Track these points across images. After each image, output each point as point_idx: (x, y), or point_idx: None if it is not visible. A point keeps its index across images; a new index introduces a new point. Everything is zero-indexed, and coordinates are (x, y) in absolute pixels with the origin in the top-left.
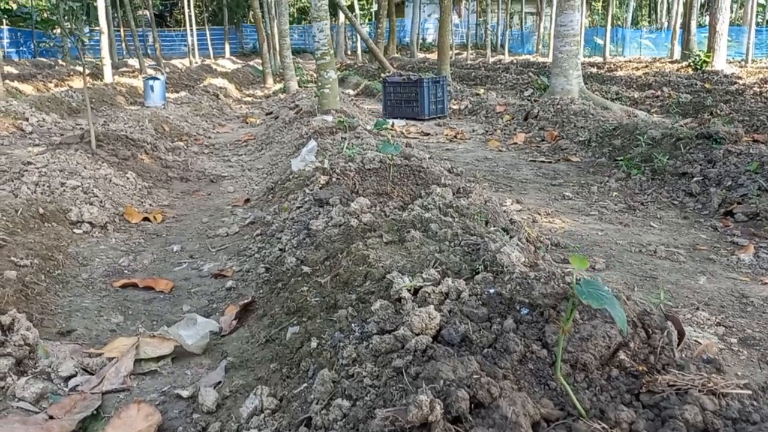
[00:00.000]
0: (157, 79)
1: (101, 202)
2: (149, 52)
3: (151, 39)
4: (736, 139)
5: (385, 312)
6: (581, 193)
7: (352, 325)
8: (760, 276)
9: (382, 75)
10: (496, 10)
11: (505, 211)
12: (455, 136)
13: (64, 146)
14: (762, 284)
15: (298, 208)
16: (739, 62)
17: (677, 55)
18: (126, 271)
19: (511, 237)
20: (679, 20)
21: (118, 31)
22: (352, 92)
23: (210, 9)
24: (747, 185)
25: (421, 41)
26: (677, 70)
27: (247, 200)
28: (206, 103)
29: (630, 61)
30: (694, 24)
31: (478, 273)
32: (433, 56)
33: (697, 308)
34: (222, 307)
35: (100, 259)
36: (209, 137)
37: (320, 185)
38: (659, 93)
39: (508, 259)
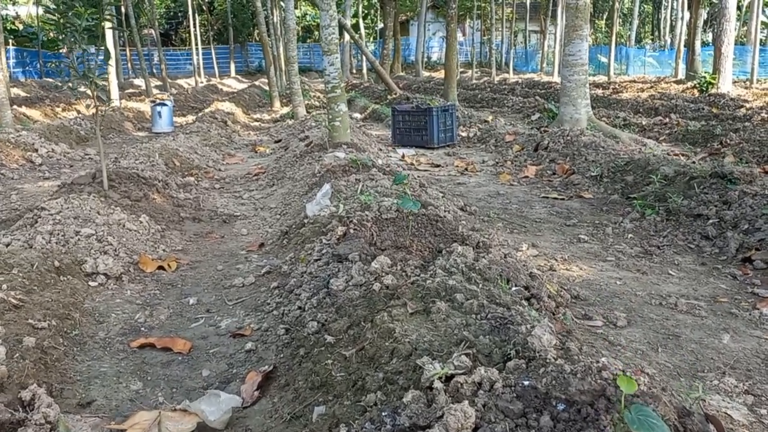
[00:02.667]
0: (165, 104)
1: (115, 250)
2: (155, 71)
3: (157, 58)
4: (751, 179)
5: (417, 405)
6: (596, 234)
7: (383, 414)
8: None
9: (389, 97)
10: (500, 29)
11: (524, 264)
12: (466, 169)
13: (76, 186)
14: None
15: (316, 260)
16: (744, 82)
17: (681, 74)
18: (143, 329)
19: (537, 310)
20: (683, 38)
21: (124, 50)
22: (359, 116)
23: (215, 28)
24: (764, 229)
25: (426, 59)
26: (682, 91)
27: (262, 245)
28: (215, 132)
29: (634, 81)
30: (698, 44)
31: (509, 358)
32: (438, 75)
33: (724, 373)
34: (242, 372)
35: (116, 315)
36: (219, 169)
37: (338, 236)
38: (667, 120)
39: (539, 342)
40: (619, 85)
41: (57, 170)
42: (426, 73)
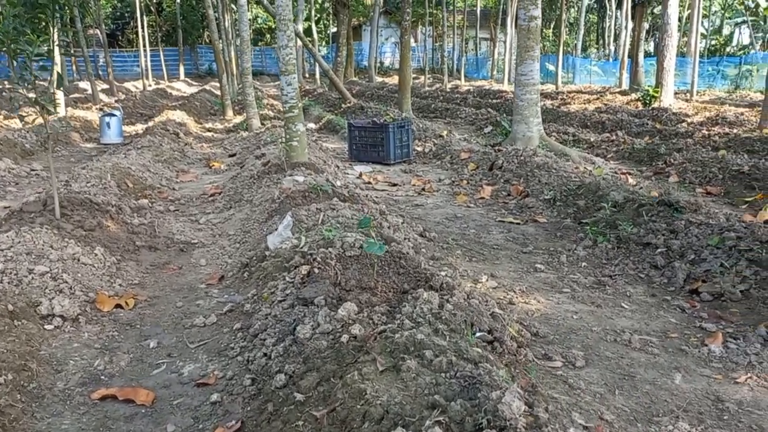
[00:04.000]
0: (114, 115)
1: (71, 288)
2: (101, 73)
3: (103, 60)
4: (696, 208)
5: None
6: (552, 263)
7: None
8: (731, 372)
9: (343, 105)
10: (452, 35)
11: (486, 302)
12: (423, 189)
13: (26, 215)
14: (734, 383)
15: (281, 301)
16: (685, 94)
17: (625, 84)
18: (103, 377)
19: (500, 354)
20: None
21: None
22: (314, 126)
23: (164, 29)
24: (710, 260)
25: (378, 64)
26: (627, 103)
27: (222, 278)
28: (167, 146)
29: (581, 92)
30: (641, 56)
31: (481, 428)
32: (391, 80)
33: (678, 417)
34: (209, 427)
35: (75, 362)
36: (174, 188)
37: (302, 276)
38: (614, 137)
39: (510, 410)
40: (567, 96)
41: (2, 188)
42: (379, 79)
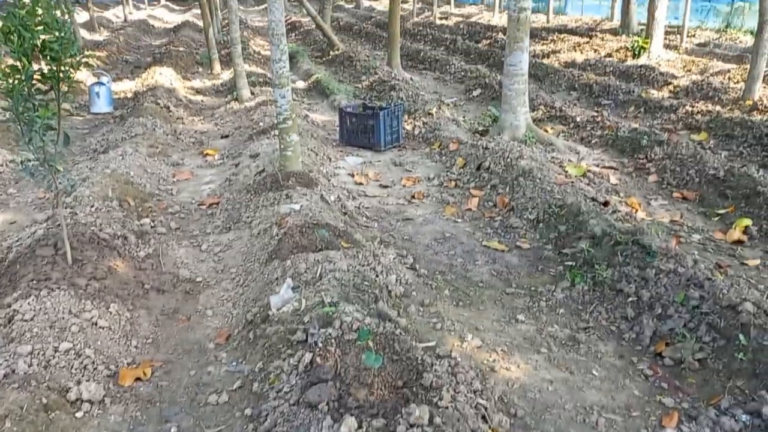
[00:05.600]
0: (102, 84)
1: (94, 363)
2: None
3: None
4: (668, 253)
5: None
6: (532, 309)
7: None
8: None
9: (331, 53)
10: None
11: (474, 401)
12: (413, 197)
13: (39, 258)
14: None
15: (287, 392)
16: (675, 35)
17: (617, 19)
18: None
19: None
20: None
21: None
22: (303, 85)
23: None
24: (674, 319)
25: None
26: (617, 50)
27: (228, 336)
28: (160, 131)
29: (570, 31)
30: None
31: None
32: (379, 5)
33: None
34: None
35: None
36: (171, 193)
37: (305, 364)
38: (599, 118)
39: None
40: (556, 37)
41: (3, 190)
42: (366, 3)
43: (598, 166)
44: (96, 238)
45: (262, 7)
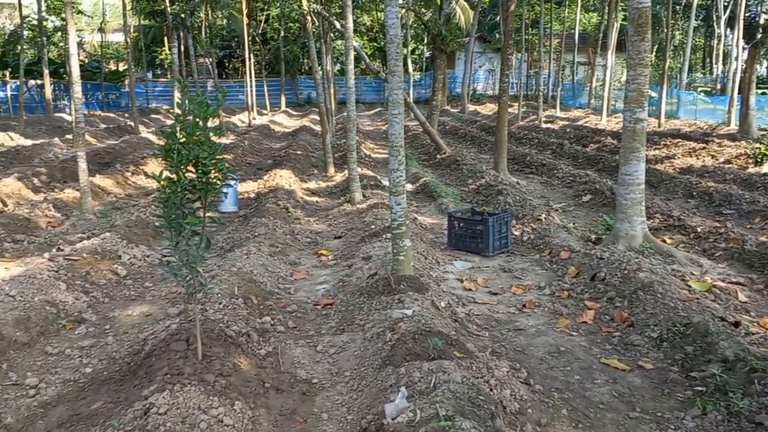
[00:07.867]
0: (230, 185)
1: None
2: (209, 101)
3: (212, 87)
4: None
5: None
6: None
7: None
8: None
9: (438, 156)
10: (547, 60)
11: None
12: (525, 306)
13: (172, 353)
14: None
15: None
16: None
17: (734, 123)
18: None
19: None
20: (737, 78)
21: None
22: (410, 188)
23: (267, 58)
24: None
25: (471, 91)
26: (736, 157)
27: None
28: (280, 231)
29: (684, 136)
30: (752, 99)
31: None
32: (483, 110)
33: None
34: None
35: None
36: (289, 292)
37: None
38: (723, 229)
39: None
40: (669, 142)
41: (141, 284)
42: (471, 107)
43: (724, 281)
44: (223, 335)
45: (372, 112)
